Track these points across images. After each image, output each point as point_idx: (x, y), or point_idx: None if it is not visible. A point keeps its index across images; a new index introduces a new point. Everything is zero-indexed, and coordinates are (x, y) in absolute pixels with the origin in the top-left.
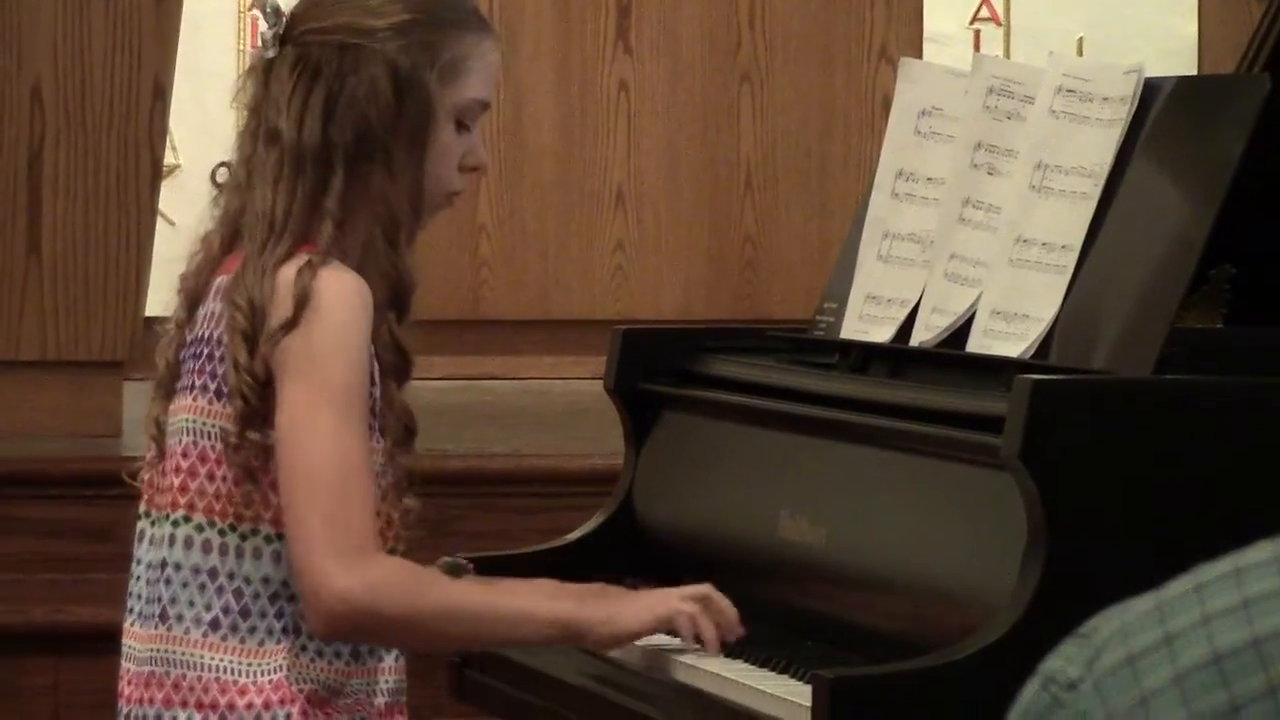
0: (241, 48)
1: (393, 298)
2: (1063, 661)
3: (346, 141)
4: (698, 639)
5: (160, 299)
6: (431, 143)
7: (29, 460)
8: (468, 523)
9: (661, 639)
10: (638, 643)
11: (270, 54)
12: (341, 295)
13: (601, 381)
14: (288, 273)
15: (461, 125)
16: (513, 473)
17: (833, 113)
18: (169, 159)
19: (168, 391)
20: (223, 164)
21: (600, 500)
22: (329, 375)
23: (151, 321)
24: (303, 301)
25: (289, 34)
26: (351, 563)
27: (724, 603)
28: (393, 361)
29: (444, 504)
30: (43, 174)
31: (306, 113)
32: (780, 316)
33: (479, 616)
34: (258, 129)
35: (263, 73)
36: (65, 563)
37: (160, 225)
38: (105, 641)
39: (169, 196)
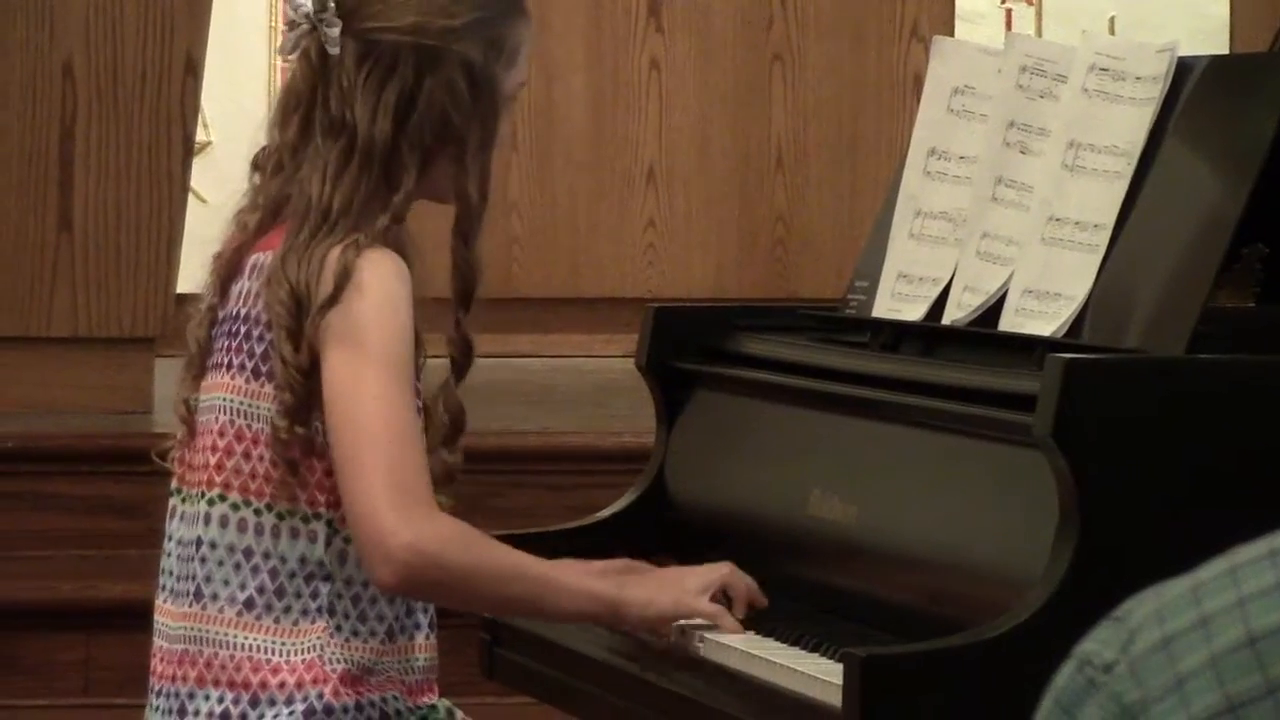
0: (274, 24)
1: (460, 293)
2: (1098, 644)
3: (424, 140)
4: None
5: (192, 276)
6: (498, 131)
7: (60, 436)
8: (499, 500)
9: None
10: None
11: (334, 50)
12: (382, 272)
13: (633, 359)
14: (333, 253)
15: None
16: (544, 450)
17: (864, 91)
18: (201, 136)
19: (198, 371)
20: (265, 148)
21: (631, 478)
22: (370, 341)
23: (183, 298)
24: (344, 278)
25: (349, 26)
26: (417, 516)
27: (746, 582)
28: (456, 357)
29: (475, 481)
30: (74, 150)
31: (380, 110)
32: (811, 295)
33: (533, 581)
34: (310, 117)
35: (319, 60)
36: (96, 539)
37: (192, 202)
38: (136, 618)
39: (201, 174)
